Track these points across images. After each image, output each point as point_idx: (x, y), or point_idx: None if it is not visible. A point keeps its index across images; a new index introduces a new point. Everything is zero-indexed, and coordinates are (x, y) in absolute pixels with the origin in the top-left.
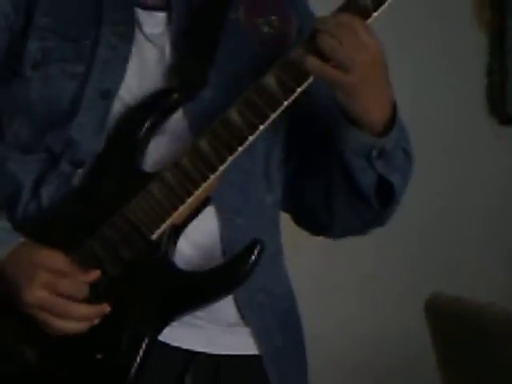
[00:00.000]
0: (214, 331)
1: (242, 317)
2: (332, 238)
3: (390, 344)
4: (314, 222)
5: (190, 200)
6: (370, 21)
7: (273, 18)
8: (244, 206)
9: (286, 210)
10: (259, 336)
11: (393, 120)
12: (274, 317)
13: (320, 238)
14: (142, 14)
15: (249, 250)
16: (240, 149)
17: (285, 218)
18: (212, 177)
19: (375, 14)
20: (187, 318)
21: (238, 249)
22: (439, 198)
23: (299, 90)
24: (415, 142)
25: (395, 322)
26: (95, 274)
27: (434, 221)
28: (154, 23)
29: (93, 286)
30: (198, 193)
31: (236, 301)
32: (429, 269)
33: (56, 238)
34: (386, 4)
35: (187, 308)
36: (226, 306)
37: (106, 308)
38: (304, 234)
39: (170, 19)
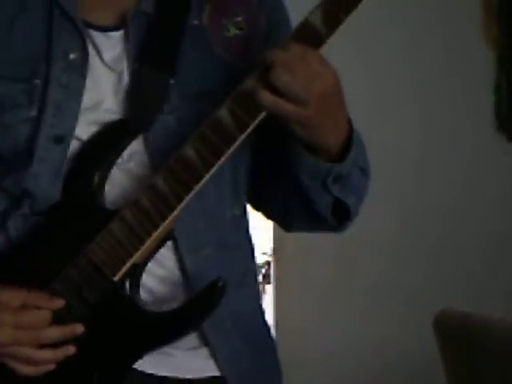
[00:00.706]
0: (180, 357)
1: (206, 340)
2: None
3: (400, 360)
4: (272, 217)
5: (149, 240)
6: (324, 46)
7: (239, 19)
8: (208, 232)
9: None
10: (226, 360)
11: (349, 139)
12: (241, 339)
13: (328, 255)
14: (97, 37)
15: (211, 288)
16: (196, 187)
17: (292, 239)
18: (170, 216)
19: (327, 39)
20: None
21: (203, 277)
22: (447, 214)
23: (254, 123)
24: (422, 158)
25: (404, 338)
26: (59, 302)
27: (443, 236)
28: (111, 45)
29: (61, 323)
30: (158, 232)
31: (201, 328)
32: (438, 284)
33: (22, 274)
34: (338, 28)
35: (153, 347)
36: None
37: (70, 350)
38: (313, 252)
39: (126, 38)
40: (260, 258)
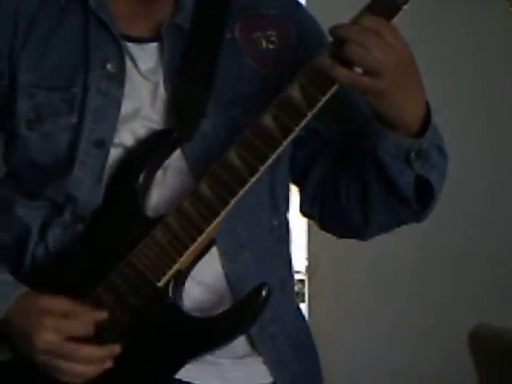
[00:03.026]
0: (226, 365)
1: (253, 347)
2: (362, 239)
3: (433, 376)
4: (348, 224)
5: (194, 245)
6: (398, 15)
7: (271, 32)
8: (248, 238)
9: (310, 216)
10: (274, 366)
11: (427, 118)
12: (288, 344)
13: (361, 273)
14: (133, 48)
15: (256, 293)
16: (241, 192)
17: (326, 257)
18: (215, 221)
19: (405, 6)
20: None
21: (245, 284)
22: (483, 227)
23: (297, 129)
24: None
25: (438, 353)
26: (103, 314)
27: (478, 251)
28: (146, 57)
29: (104, 334)
30: (202, 238)
31: (247, 334)
32: (473, 299)
33: (64, 284)
34: None
35: (198, 353)
36: (238, 340)
37: (116, 349)
38: (346, 271)
39: (162, 50)
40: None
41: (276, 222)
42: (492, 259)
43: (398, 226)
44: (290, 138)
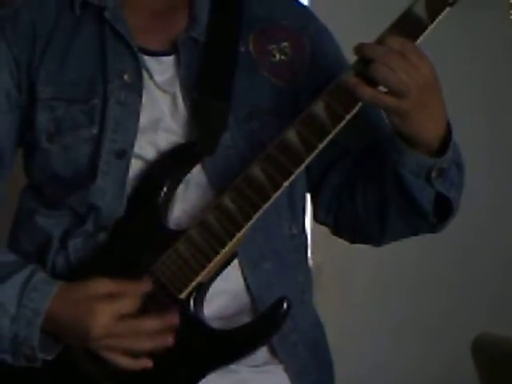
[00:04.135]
0: (245, 373)
1: (274, 355)
2: (376, 246)
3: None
4: (363, 232)
5: (216, 259)
6: (425, 34)
7: (284, 44)
8: (268, 248)
9: (325, 222)
10: (296, 373)
11: (447, 136)
12: (307, 351)
13: (365, 277)
14: (149, 61)
15: (277, 306)
16: (264, 206)
17: (330, 266)
18: (238, 235)
19: (432, 25)
20: None
21: (266, 293)
22: (487, 233)
23: (321, 145)
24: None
25: (441, 361)
26: (147, 284)
27: (481, 259)
28: (162, 69)
29: None
30: (225, 251)
31: (269, 343)
32: (477, 307)
33: None
34: (443, 14)
35: (219, 365)
36: (260, 349)
37: (175, 319)
38: (349, 279)
39: (178, 63)
40: None
41: (296, 231)
42: (497, 266)
43: (415, 235)
44: (314, 154)
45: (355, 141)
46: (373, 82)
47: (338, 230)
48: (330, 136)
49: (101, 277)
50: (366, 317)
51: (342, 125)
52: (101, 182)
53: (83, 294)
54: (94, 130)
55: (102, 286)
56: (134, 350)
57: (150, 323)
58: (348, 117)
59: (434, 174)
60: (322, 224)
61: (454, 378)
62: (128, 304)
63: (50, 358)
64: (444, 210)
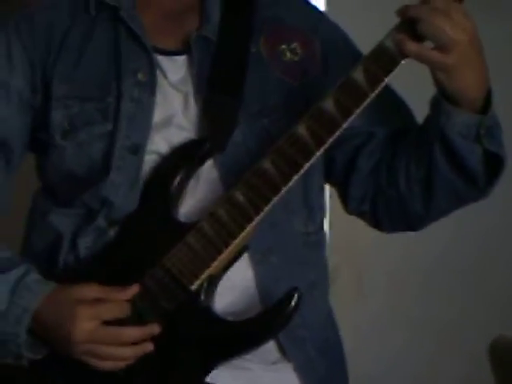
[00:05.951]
0: (257, 371)
1: (284, 353)
2: (415, 229)
3: None
4: (405, 214)
5: (227, 250)
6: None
7: (295, 44)
8: (276, 242)
9: (361, 212)
10: (303, 369)
11: (488, 96)
12: (316, 347)
13: (382, 280)
14: (162, 60)
15: (287, 298)
16: (275, 199)
17: (346, 267)
18: (249, 227)
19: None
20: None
21: (272, 287)
22: (503, 236)
23: (331, 139)
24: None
25: (458, 365)
26: (134, 289)
27: (499, 261)
28: (175, 68)
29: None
30: (236, 243)
31: (277, 339)
32: (494, 309)
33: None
34: None
35: (229, 356)
36: (269, 345)
37: (155, 328)
38: (366, 281)
39: (190, 62)
40: None
41: (312, 229)
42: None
43: (460, 207)
44: (324, 147)
45: (379, 124)
46: (418, 40)
47: (376, 217)
48: (341, 129)
49: (110, 273)
50: (381, 317)
51: (351, 119)
52: (114, 176)
53: (69, 297)
54: (109, 127)
55: (90, 291)
56: (114, 357)
57: (131, 332)
58: (357, 111)
59: (482, 132)
60: (356, 215)
61: (470, 380)
62: (111, 309)
63: (37, 357)
64: (492, 171)
